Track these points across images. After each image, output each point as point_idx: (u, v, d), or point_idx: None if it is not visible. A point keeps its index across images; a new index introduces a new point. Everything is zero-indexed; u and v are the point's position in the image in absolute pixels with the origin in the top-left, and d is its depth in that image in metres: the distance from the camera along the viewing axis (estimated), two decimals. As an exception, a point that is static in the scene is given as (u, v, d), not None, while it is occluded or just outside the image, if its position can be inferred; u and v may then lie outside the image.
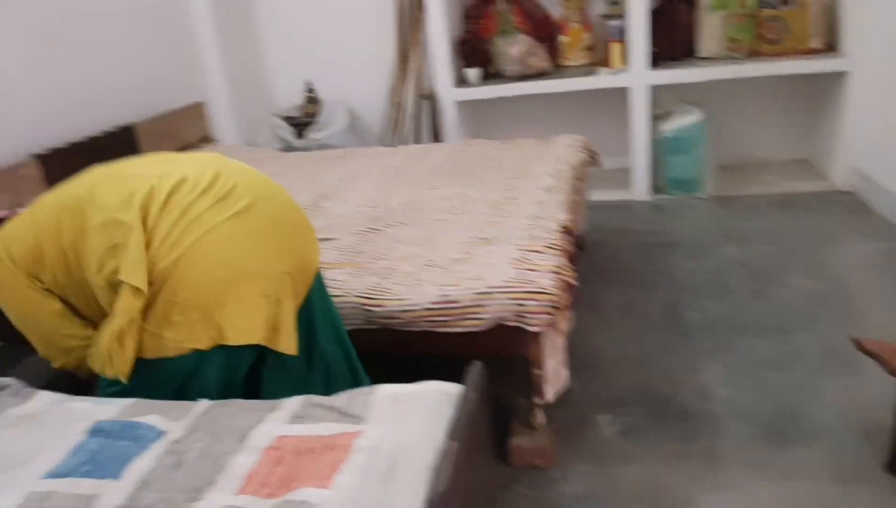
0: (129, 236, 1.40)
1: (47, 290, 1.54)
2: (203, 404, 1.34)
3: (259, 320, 1.45)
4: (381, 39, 4.27)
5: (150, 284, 1.38)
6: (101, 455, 1.19)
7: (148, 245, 1.40)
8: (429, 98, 4.09)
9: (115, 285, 1.42)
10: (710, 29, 3.77)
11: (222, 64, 4.09)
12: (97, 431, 1.26)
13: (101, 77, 3.29)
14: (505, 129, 4.20)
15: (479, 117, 4.32)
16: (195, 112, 3.82)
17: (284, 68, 4.54)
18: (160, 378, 1.46)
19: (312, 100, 4.36)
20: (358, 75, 4.42)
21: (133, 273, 1.37)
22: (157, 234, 1.41)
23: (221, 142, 3.95)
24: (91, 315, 1.55)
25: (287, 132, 4.18)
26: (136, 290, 1.37)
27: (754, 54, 3.72)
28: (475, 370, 1.22)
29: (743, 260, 3.06)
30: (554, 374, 1.87)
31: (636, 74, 3.74)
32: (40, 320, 1.56)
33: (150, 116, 3.48)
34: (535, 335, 1.80)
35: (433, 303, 1.85)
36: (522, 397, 1.94)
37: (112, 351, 1.40)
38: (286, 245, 1.53)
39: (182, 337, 1.41)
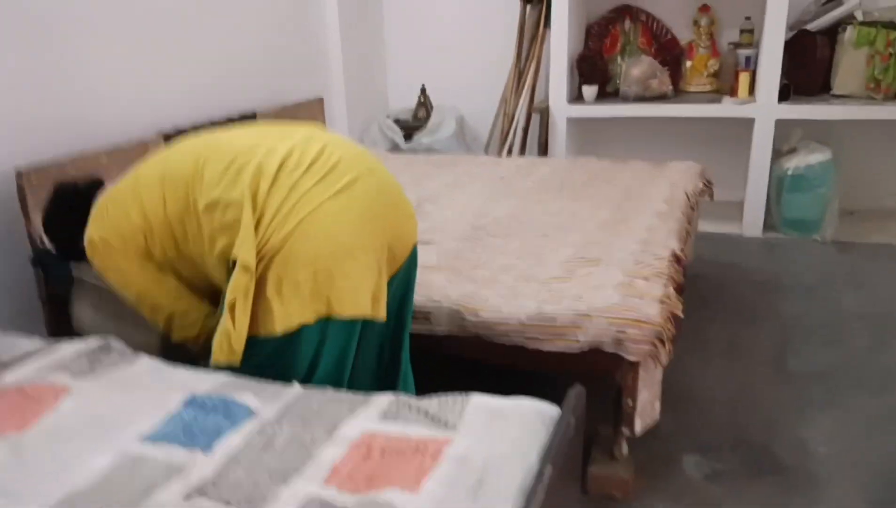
0: (239, 213, 1.43)
1: (159, 268, 1.59)
2: (295, 389, 1.34)
3: (366, 292, 1.48)
4: (499, 50, 4.27)
5: (260, 260, 1.41)
6: (195, 426, 1.21)
7: (258, 223, 1.42)
8: (541, 112, 4.04)
9: (226, 262, 1.45)
10: (850, 66, 3.54)
11: (344, 62, 4.20)
12: (192, 402, 1.28)
13: (230, 65, 3.42)
14: (616, 150, 4.10)
15: (590, 136, 4.24)
16: (315, 107, 3.92)
17: (402, 71, 4.61)
18: (268, 356, 1.47)
19: (424, 104, 4.40)
20: (472, 83, 4.44)
21: (243, 251, 1.40)
22: (267, 211, 1.43)
23: (333, 136, 4.03)
24: (202, 288, 1.60)
25: (396, 134, 4.23)
26: (246, 267, 1.39)
27: (895, 97, 3.47)
28: (576, 394, 1.16)
29: (859, 310, 2.84)
30: (646, 407, 1.78)
31: (763, 105, 3.57)
32: (159, 298, 1.61)
33: (273, 106, 3.60)
34: (633, 364, 1.72)
35: (529, 317, 1.80)
36: (608, 424, 1.86)
37: (225, 333, 1.43)
38: (387, 219, 1.55)
39: (291, 311, 1.42)
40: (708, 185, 3.01)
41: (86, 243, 1.60)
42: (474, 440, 1.11)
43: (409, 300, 1.73)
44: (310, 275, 1.42)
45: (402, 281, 1.68)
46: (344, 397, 1.31)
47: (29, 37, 2.48)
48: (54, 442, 1.19)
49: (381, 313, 1.52)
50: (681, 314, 1.81)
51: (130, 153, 2.75)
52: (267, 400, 1.30)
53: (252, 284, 1.41)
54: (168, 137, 2.92)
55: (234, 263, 1.42)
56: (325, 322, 1.46)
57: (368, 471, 1.07)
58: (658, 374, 1.81)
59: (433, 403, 1.24)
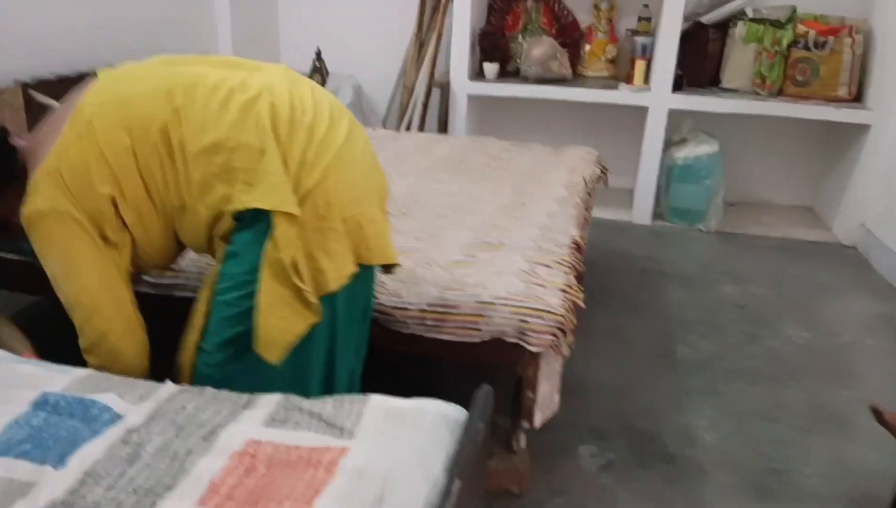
0: (251, 159, 1.29)
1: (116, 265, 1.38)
2: (168, 388, 1.19)
3: (388, 237, 1.47)
4: (400, 18, 4.12)
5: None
6: (46, 434, 1.04)
7: (286, 171, 1.31)
8: (441, 87, 3.94)
9: (218, 216, 1.32)
10: (739, 61, 3.66)
11: (232, 18, 3.92)
12: (44, 403, 1.10)
13: (105, 16, 3.09)
14: (515, 131, 4.07)
15: (491, 115, 4.19)
16: (196, 63, 3.62)
17: (295, 32, 4.37)
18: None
19: (319, 70, 4.19)
20: (370, 51, 4.27)
21: (278, 199, 1.28)
22: (292, 157, 1.31)
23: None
24: (196, 246, 1.45)
25: (289, 99, 4.00)
26: (290, 216, 1.29)
27: (779, 94, 3.62)
28: (483, 395, 1.08)
29: (739, 301, 2.97)
30: (546, 399, 1.74)
31: (657, 94, 3.63)
32: (102, 301, 1.37)
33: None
34: (535, 355, 1.67)
35: (429, 305, 1.71)
36: (506, 416, 1.81)
37: (285, 303, 1.32)
38: (377, 170, 1.51)
39: (340, 264, 1.35)
40: (604, 172, 3.03)
41: (26, 217, 1.31)
42: (373, 449, 1.01)
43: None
44: (347, 223, 1.35)
45: None
46: (224, 397, 1.17)
47: None
48: None
49: (397, 257, 1.50)
50: (582, 305, 1.78)
51: (-19, 104, 2.43)
52: (134, 401, 1.14)
53: (297, 233, 1.30)
54: (27, 87, 2.59)
55: (236, 216, 1.30)
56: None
57: (253, 487, 0.95)
58: (558, 366, 1.77)
59: (327, 405, 1.13)
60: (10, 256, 1.97)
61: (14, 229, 1.37)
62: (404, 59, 4.16)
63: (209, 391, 1.19)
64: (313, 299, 1.33)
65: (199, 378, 1.38)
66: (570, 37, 4.00)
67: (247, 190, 1.29)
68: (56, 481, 0.95)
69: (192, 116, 1.31)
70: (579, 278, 1.91)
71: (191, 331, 1.44)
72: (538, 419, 1.73)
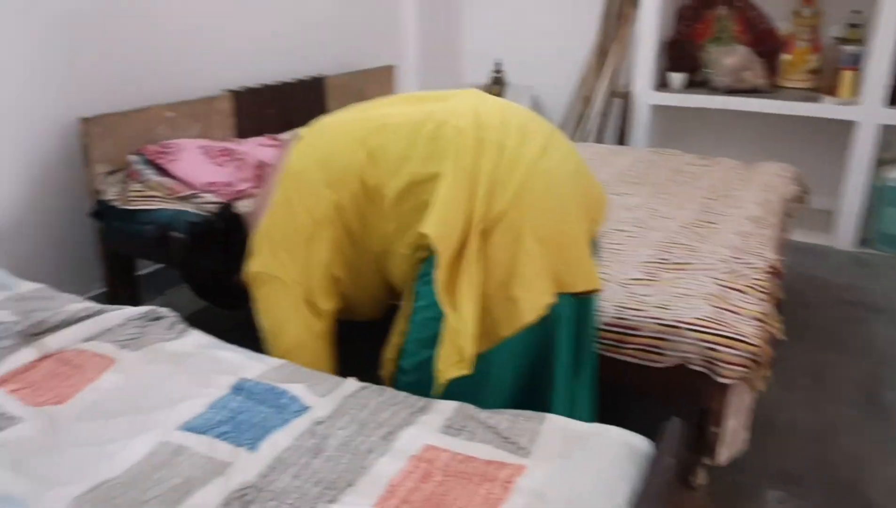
0: (438, 186, 1.27)
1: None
2: (351, 384, 1.22)
3: (591, 262, 1.35)
4: (581, 29, 4.05)
5: (485, 231, 1.26)
6: (242, 418, 1.10)
7: (472, 192, 1.27)
8: (622, 97, 3.82)
9: (416, 250, 1.33)
10: (974, 70, 3.21)
11: (418, 31, 4.06)
12: (240, 389, 1.17)
13: (301, 26, 3.31)
14: (700, 144, 3.85)
15: (674, 127, 4.00)
16: (385, 74, 3.78)
17: (477, 45, 4.44)
18: (517, 354, 1.31)
19: (498, 81, 4.22)
20: (550, 62, 4.23)
21: (432, 225, 1.25)
22: (481, 176, 1.27)
23: (402, 108, 3.89)
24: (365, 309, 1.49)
25: (468, 109, 4.06)
26: (439, 239, 1.25)
27: None
28: (673, 429, 1.00)
29: (963, 343, 2.58)
30: (733, 435, 1.60)
31: (868, 108, 3.27)
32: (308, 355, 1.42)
33: (342, 71, 3.48)
34: (723, 387, 1.54)
35: (606, 325, 1.64)
36: (688, 449, 1.69)
37: (451, 336, 1.25)
38: (583, 186, 1.38)
39: (535, 293, 1.25)
40: (804, 190, 2.77)
41: (246, 275, 1.43)
42: (552, 472, 0.97)
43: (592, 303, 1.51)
44: (538, 246, 1.26)
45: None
46: (401, 398, 1.18)
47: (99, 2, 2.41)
48: (92, 420, 1.10)
49: (599, 283, 1.38)
50: (781, 336, 1.62)
51: (194, 106, 2.68)
52: (320, 394, 1.18)
53: (452, 259, 1.25)
54: (235, 94, 2.83)
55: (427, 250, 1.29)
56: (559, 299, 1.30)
57: (429, 494, 0.94)
58: (749, 400, 1.63)
59: (503, 419, 1.10)
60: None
61: (241, 291, 1.47)
62: (584, 69, 4.08)
63: (388, 391, 1.21)
64: (467, 345, 1.24)
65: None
66: (765, 45, 3.72)
67: (425, 217, 1.28)
68: (249, 464, 1.00)
69: (384, 158, 1.33)
70: (778, 306, 1.75)
71: (389, 347, 1.44)
72: (723, 457, 1.60)
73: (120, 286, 2.50)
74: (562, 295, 1.31)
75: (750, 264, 1.87)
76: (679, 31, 3.89)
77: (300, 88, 3.17)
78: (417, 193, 1.30)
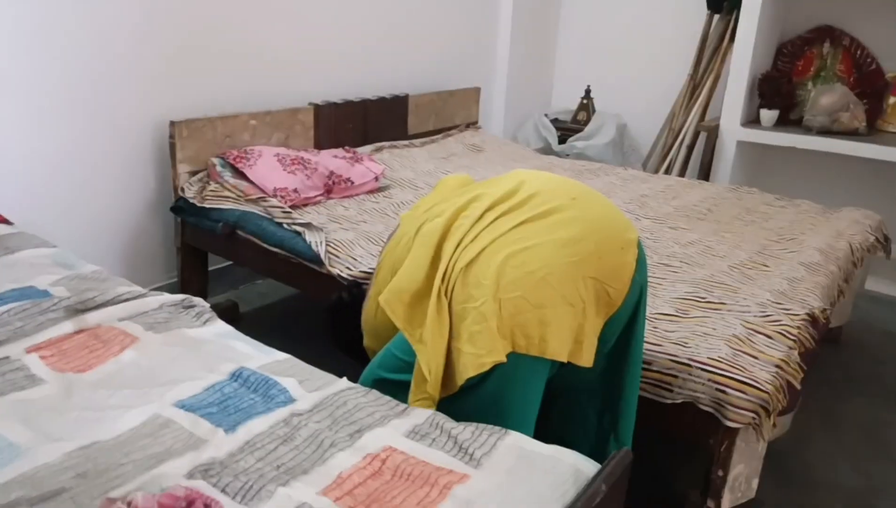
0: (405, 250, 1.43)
1: None
2: (341, 384, 1.30)
3: (565, 330, 1.28)
4: (676, 60, 3.99)
5: (446, 293, 1.32)
6: (230, 402, 1.20)
7: (437, 258, 1.35)
8: (709, 131, 3.72)
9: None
10: None
11: (510, 53, 4.12)
12: (238, 376, 1.28)
13: (387, 44, 3.46)
14: (788, 185, 3.69)
15: (762, 165, 3.85)
16: (469, 96, 3.88)
17: (568, 69, 4.46)
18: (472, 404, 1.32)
19: (586, 106, 4.22)
20: (640, 91, 4.20)
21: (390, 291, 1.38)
22: (447, 247, 1.35)
23: (484, 130, 3.98)
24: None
25: (550, 134, 4.09)
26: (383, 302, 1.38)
27: None
28: (620, 458, 1.01)
29: None
30: (739, 482, 1.55)
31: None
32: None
33: (426, 90, 3.60)
34: (731, 430, 1.50)
35: (623, 355, 1.63)
36: (698, 491, 1.65)
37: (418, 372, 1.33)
38: (596, 248, 1.33)
39: (482, 350, 1.25)
40: (884, 240, 2.61)
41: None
42: (491, 484, 1.00)
43: (631, 348, 1.47)
44: (495, 306, 1.25)
45: (621, 323, 1.43)
46: (384, 402, 1.24)
47: (197, 17, 2.64)
48: (104, 389, 1.23)
49: (584, 359, 1.31)
50: (798, 386, 1.56)
51: (278, 117, 2.87)
52: (309, 390, 1.26)
53: (403, 310, 1.35)
54: (317, 107, 3.01)
55: None
56: (516, 358, 1.28)
57: (372, 490, 1.00)
58: (761, 448, 1.58)
59: (467, 430, 1.14)
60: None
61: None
62: (675, 101, 4.01)
63: (374, 393, 1.27)
64: (433, 391, 1.30)
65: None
66: (870, 86, 3.52)
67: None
68: (223, 444, 1.09)
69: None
70: (806, 356, 1.68)
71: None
72: (727, 503, 1.55)
73: (192, 278, 2.71)
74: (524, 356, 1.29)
75: (789, 310, 1.81)
76: (777, 67, 3.76)
77: (381, 104, 3.32)
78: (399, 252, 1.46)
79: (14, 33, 2.18)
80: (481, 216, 1.36)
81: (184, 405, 1.18)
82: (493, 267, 1.27)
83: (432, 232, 1.39)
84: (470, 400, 1.31)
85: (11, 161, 2.26)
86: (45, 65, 2.27)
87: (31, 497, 0.94)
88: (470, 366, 1.26)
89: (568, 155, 3.96)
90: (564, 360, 1.29)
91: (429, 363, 1.29)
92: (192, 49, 2.65)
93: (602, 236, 1.35)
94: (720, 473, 1.54)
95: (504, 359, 1.25)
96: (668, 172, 3.91)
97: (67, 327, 1.40)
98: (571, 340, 1.29)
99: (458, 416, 1.24)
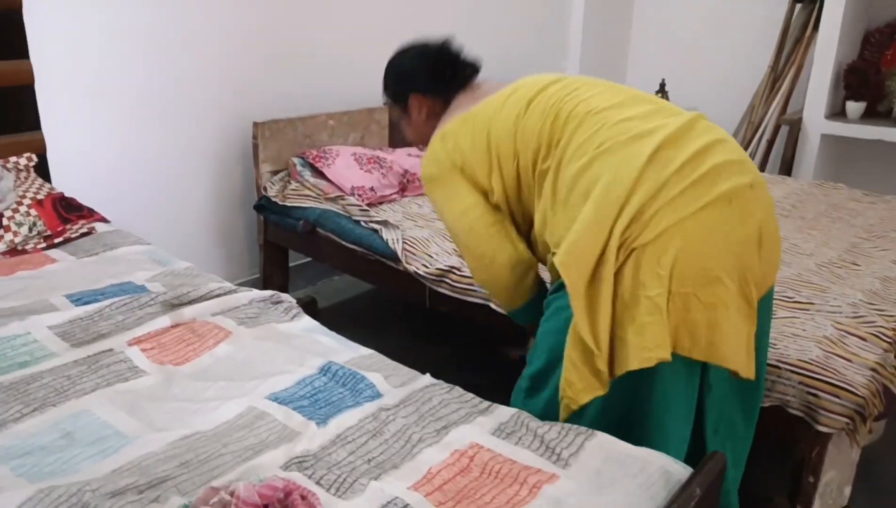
0: (582, 201, 1.24)
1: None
2: (425, 380, 1.32)
3: (739, 338, 1.21)
4: (755, 50, 3.87)
5: (618, 273, 1.19)
6: (321, 395, 1.24)
7: (615, 221, 1.19)
8: (791, 125, 3.60)
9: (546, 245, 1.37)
10: None
11: (582, 50, 4.08)
12: (327, 370, 1.31)
13: (464, 42, 3.47)
14: (876, 180, 3.53)
15: (848, 159, 3.70)
16: (540, 91, 3.86)
17: (642, 62, 4.39)
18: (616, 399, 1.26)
19: (661, 101, 4.13)
20: (719, 84, 4.09)
21: (562, 252, 1.23)
22: (625, 212, 1.18)
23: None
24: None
25: (624, 129, 4.03)
26: (562, 266, 1.22)
27: None
28: (715, 462, 0.99)
29: None
30: (831, 489, 1.50)
31: None
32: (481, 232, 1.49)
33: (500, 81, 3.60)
34: (823, 436, 1.46)
35: (707, 356, 1.60)
36: (784, 496, 1.60)
37: (570, 360, 1.24)
38: (757, 250, 1.23)
39: (647, 342, 1.16)
40: None
41: (431, 144, 1.54)
42: (580, 484, 1.00)
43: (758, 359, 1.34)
44: (663, 297, 1.16)
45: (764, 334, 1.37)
46: (468, 399, 1.26)
47: (279, 20, 2.71)
48: (201, 381, 1.29)
49: (749, 370, 1.23)
50: (895, 390, 1.50)
51: (354, 116, 2.93)
52: (395, 384, 1.29)
53: (584, 288, 1.20)
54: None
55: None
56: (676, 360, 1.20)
57: (461, 487, 1.01)
58: (854, 455, 1.52)
59: (553, 430, 1.14)
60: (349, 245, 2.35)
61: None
62: (754, 93, 3.89)
63: (457, 390, 1.29)
64: (603, 367, 1.20)
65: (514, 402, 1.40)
66: (968, 74, 3.34)
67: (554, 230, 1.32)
68: (315, 436, 1.12)
69: (571, 144, 1.35)
70: (905, 358, 1.61)
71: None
72: (818, 509, 1.51)
73: (274, 274, 2.79)
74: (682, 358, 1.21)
75: (883, 311, 1.74)
76: (864, 56, 3.60)
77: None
78: (570, 187, 1.29)
79: (106, 38, 2.29)
80: (666, 182, 1.18)
81: (277, 398, 1.22)
82: (671, 255, 1.16)
83: (615, 184, 1.20)
84: (613, 395, 1.24)
85: (106, 162, 2.38)
86: (134, 69, 2.37)
87: (140, 485, 1.00)
88: (634, 358, 1.17)
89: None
90: (733, 368, 1.21)
91: (596, 336, 1.19)
92: (274, 52, 2.73)
93: (770, 237, 1.26)
94: (811, 479, 1.49)
95: (669, 358, 1.17)
96: (746, 167, 3.79)
97: (165, 321, 1.46)
98: (745, 349, 1.21)
99: (589, 414, 1.23)
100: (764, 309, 1.32)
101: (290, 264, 2.86)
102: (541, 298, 1.48)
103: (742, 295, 1.21)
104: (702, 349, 1.19)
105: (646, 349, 1.16)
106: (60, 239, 1.91)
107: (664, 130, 1.24)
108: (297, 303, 1.66)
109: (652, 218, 1.18)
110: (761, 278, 1.26)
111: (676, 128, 1.25)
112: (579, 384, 1.23)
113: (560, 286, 1.30)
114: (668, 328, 1.17)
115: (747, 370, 1.23)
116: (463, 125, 1.49)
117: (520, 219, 1.51)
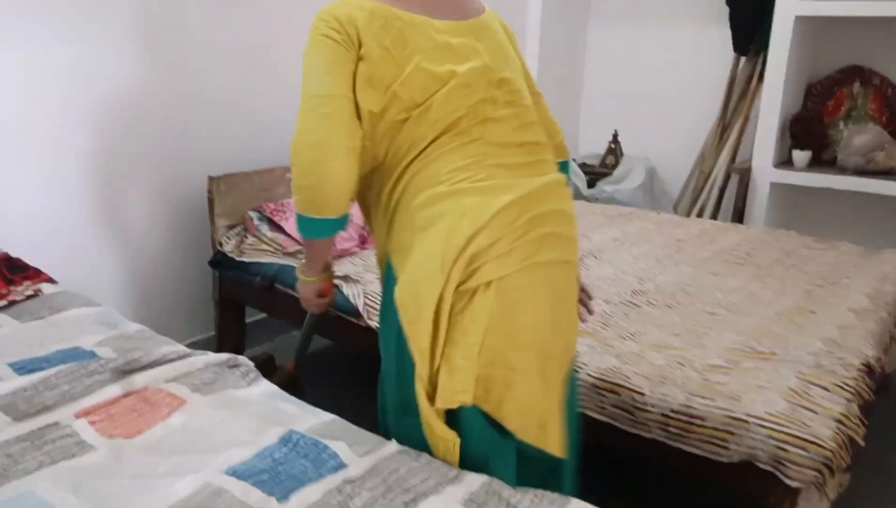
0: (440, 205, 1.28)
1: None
2: (391, 447, 1.27)
3: (524, 399, 1.29)
4: (704, 103, 4.00)
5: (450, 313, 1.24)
6: (282, 468, 1.18)
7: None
8: (741, 173, 3.70)
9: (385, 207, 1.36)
10: None
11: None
12: (287, 440, 1.25)
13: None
14: (824, 227, 3.64)
15: (796, 207, 3.81)
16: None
17: (595, 114, 4.48)
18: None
19: (614, 151, 4.22)
20: (669, 135, 4.20)
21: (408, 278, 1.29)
22: (465, 251, 1.24)
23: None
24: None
25: (579, 178, 4.09)
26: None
27: None
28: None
29: None
30: (804, 544, 1.49)
31: None
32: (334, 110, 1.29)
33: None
34: (792, 490, 1.45)
35: (673, 412, 1.59)
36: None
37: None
38: (561, 321, 1.35)
39: (458, 386, 1.23)
40: (932, 283, 2.54)
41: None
42: (558, 558, 0.96)
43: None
44: (478, 346, 1.24)
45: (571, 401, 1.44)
46: (436, 467, 1.21)
47: (235, 71, 2.70)
48: (153, 455, 1.22)
49: (553, 445, 1.33)
50: (861, 442, 1.50)
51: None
52: (359, 454, 1.23)
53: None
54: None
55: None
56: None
57: (432, 565, 0.96)
58: (824, 507, 1.51)
59: (526, 498, 1.10)
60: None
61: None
62: (704, 143, 4.00)
63: (425, 457, 1.24)
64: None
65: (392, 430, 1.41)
66: (905, 125, 3.49)
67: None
68: (276, 513, 1.06)
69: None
70: (866, 409, 1.62)
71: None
72: (790, 566, 1.49)
73: (230, 330, 2.71)
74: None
75: (843, 359, 1.76)
76: (808, 107, 3.74)
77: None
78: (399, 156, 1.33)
79: (55, 94, 2.23)
80: (502, 237, 1.24)
81: (235, 473, 1.16)
82: (489, 305, 1.23)
83: (459, 230, 1.23)
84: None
85: (54, 221, 2.30)
86: (83, 125, 2.32)
87: (86, 574, 0.92)
88: (441, 398, 1.24)
89: (598, 199, 3.95)
90: (512, 429, 1.29)
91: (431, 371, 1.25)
92: (227, 106, 2.70)
93: (567, 318, 1.39)
94: (782, 535, 1.48)
95: (471, 403, 1.24)
96: (699, 215, 3.88)
97: (115, 389, 1.39)
98: (534, 417, 1.29)
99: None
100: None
101: (247, 320, 2.79)
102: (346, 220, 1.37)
103: (541, 368, 1.30)
104: (490, 404, 1.27)
105: (454, 390, 1.23)
106: (4, 302, 1.82)
107: (520, 189, 1.29)
108: (254, 360, 1.60)
109: (481, 268, 1.23)
110: (561, 353, 1.36)
111: (530, 190, 1.30)
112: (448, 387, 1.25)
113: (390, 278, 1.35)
114: (474, 375, 1.24)
115: (536, 439, 1.30)
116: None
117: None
